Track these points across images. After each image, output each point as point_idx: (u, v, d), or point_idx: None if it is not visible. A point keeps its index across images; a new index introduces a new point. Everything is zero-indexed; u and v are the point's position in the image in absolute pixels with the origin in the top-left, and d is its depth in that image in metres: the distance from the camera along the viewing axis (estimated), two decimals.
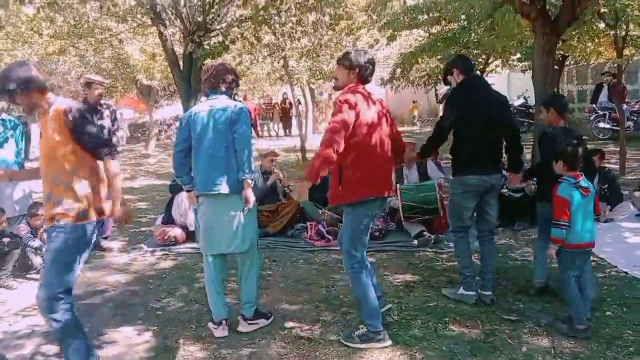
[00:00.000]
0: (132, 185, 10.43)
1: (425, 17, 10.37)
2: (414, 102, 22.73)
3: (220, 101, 3.53)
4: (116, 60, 14.01)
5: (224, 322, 3.59)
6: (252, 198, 3.46)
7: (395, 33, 10.48)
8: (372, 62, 3.42)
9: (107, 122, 5.52)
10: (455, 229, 4.05)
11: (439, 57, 11.05)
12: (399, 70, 12.56)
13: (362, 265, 3.38)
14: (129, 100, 20.20)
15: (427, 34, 12.23)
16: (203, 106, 3.57)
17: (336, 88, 3.55)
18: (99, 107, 5.50)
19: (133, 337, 3.60)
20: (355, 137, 3.24)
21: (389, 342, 3.34)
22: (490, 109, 3.86)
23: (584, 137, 3.97)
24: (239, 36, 8.37)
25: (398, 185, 5.74)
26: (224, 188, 3.44)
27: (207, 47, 7.57)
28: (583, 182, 3.44)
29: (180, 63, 7.89)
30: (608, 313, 3.71)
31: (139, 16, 9.20)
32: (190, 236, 5.82)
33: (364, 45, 13.82)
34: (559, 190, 3.43)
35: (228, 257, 3.71)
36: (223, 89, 3.58)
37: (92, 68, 13.61)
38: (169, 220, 5.85)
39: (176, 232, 5.71)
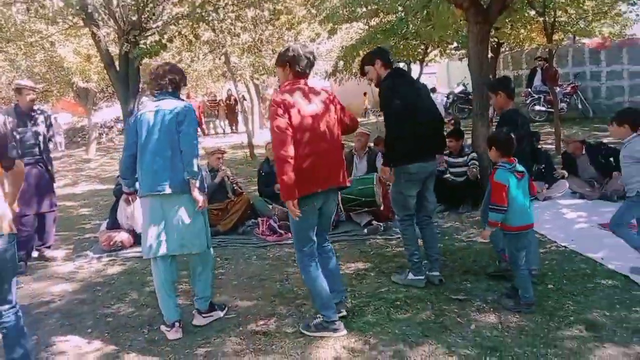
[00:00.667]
0: (73, 191, 10.07)
1: (364, 9, 10.50)
2: (364, 94, 22.96)
3: (167, 102, 3.50)
4: (49, 63, 13.43)
5: (177, 324, 3.54)
6: (200, 198, 3.45)
7: (336, 26, 10.57)
8: (307, 55, 3.36)
9: (41, 129, 5.30)
10: (402, 217, 4.12)
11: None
12: (341, 63, 12.66)
13: (310, 259, 3.42)
14: (66, 104, 19.42)
15: (367, 27, 12.38)
16: (150, 107, 3.53)
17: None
18: (32, 113, 5.27)
19: (83, 346, 3.50)
20: (293, 136, 3.21)
21: (344, 332, 3.39)
22: (421, 98, 3.99)
23: (527, 118, 4.12)
24: (176, 34, 8.21)
25: None
26: (169, 188, 3.41)
27: (144, 47, 7.37)
28: (518, 166, 3.57)
29: (117, 64, 7.66)
30: (550, 286, 3.90)
31: (70, 17, 8.87)
32: (138, 240, 5.67)
33: (305, 39, 13.85)
34: (496, 176, 3.53)
35: (177, 258, 3.65)
36: (170, 89, 3.57)
37: (23, 73, 12.99)
38: (114, 225, 5.69)
39: (122, 236, 5.56)
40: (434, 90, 15.11)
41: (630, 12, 11.63)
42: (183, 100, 3.65)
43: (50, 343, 3.56)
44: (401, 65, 14.66)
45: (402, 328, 3.40)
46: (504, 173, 3.52)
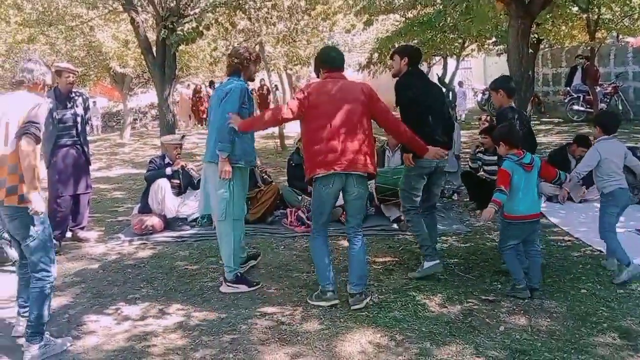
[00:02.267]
0: (107, 174, 10.27)
1: (402, 1, 10.38)
2: None
3: (227, 82, 4.12)
4: (88, 47, 13.69)
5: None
6: (226, 168, 3.90)
7: (372, 17, 10.46)
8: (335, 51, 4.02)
9: (79, 111, 5.40)
10: (409, 208, 4.25)
11: (415, 41, 11.07)
12: (376, 55, 12.55)
13: (318, 233, 3.79)
14: (103, 88, 19.83)
15: (404, 19, 12.22)
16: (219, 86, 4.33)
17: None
18: (70, 95, 5.37)
19: (112, 326, 3.57)
20: (308, 121, 3.68)
21: (335, 301, 3.69)
22: (434, 98, 4.21)
23: (523, 114, 4.41)
24: (213, 22, 8.26)
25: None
26: (209, 158, 4.04)
27: (181, 33, 7.44)
28: (525, 158, 3.77)
29: (154, 50, 7.75)
30: (583, 291, 3.80)
31: (110, 2, 9.01)
32: (168, 225, 5.77)
33: (340, 30, 13.79)
34: (503, 165, 3.80)
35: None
36: (232, 71, 4.15)
37: (63, 56, 13.27)
38: (145, 209, 5.77)
39: (154, 220, 5.64)
40: (461, 84, 14.86)
41: None
42: (242, 81, 4.10)
43: (80, 322, 3.64)
44: (437, 59, 14.50)
45: (429, 326, 3.36)
46: (510, 163, 3.76)
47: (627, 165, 4.46)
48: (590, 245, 4.74)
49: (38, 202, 2.99)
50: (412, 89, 4.08)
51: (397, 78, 4.21)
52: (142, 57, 8.86)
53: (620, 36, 13.29)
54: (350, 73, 22.65)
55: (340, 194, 3.74)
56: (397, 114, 4.16)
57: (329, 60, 3.85)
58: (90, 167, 5.72)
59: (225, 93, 3.96)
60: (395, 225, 5.59)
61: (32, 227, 3.09)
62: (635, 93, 12.98)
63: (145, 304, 3.92)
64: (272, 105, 18.47)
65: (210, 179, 4.10)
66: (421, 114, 4.04)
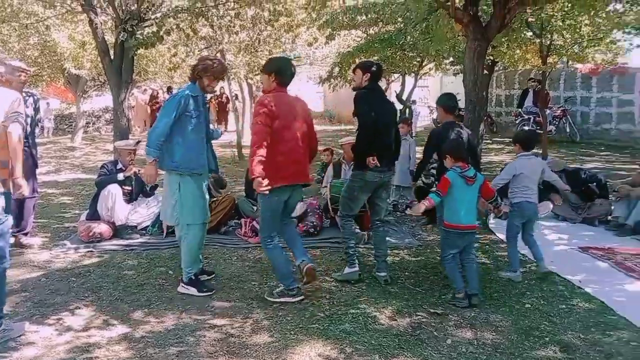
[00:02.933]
0: (56, 178, 9.92)
1: (364, 17, 10.53)
2: None
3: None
4: (42, 47, 13.25)
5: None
6: (147, 173, 4.10)
7: (334, 32, 10.56)
8: (292, 70, 4.02)
9: (29, 111, 5.20)
10: (345, 216, 4.50)
11: (376, 57, 11.23)
12: (337, 69, 12.66)
13: (270, 240, 3.98)
14: (56, 89, 19.22)
15: (365, 35, 12.40)
16: None
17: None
18: (21, 95, 5.17)
19: (53, 337, 3.42)
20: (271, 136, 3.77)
21: (301, 297, 3.96)
22: (389, 115, 4.42)
23: (463, 129, 4.74)
24: (174, 27, 8.13)
25: (332, 181, 5.93)
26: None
27: (140, 37, 7.30)
28: (469, 172, 3.98)
29: (111, 52, 7.57)
30: (527, 305, 3.91)
31: (68, 2, 8.77)
32: (117, 232, 5.61)
33: (303, 42, 13.85)
34: (447, 174, 4.03)
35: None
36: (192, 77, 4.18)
37: (16, 54, 12.80)
38: (94, 216, 5.60)
39: (102, 228, 5.48)
40: (414, 102, 15.24)
41: (625, 40, 11.76)
42: (194, 89, 4.13)
43: (19, 333, 3.47)
44: (396, 76, 14.76)
45: (378, 339, 3.38)
46: (453, 174, 3.99)
47: (550, 182, 5.02)
48: (535, 262, 4.88)
49: (25, 185, 3.45)
50: (369, 103, 4.21)
51: (358, 92, 4.32)
52: (99, 59, 8.65)
53: (570, 62, 13.88)
54: (311, 85, 22.78)
55: None
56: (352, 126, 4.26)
57: (287, 75, 3.97)
58: (38, 171, 5.52)
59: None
60: None
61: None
62: (583, 117, 13.58)
63: (89, 314, 3.79)
64: (231, 114, 18.36)
65: (164, 185, 4.25)
66: (375, 128, 4.19)
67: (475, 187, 4.00)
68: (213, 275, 4.55)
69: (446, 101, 4.86)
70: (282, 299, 3.96)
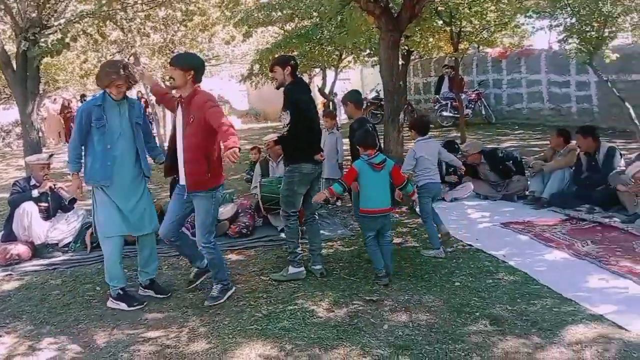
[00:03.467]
0: None
1: (279, 14, 10.50)
2: None
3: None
4: None
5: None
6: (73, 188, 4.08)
7: (251, 29, 10.47)
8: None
9: None
10: (290, 214, 4.39)
11: (295, 52, 11.26)
12: (257, 66, 12.57)
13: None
14: None
15: (283, 31, 12.38)
16: None
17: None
18: None
19: None
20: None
21: (234, 288, 4.11)
22: (315, 108, 4.61)
23: (370, 123, 5.02)
24: (80, 33, 7.78)
25: (261, 179, 5.89)
26: None
27: (44, 45, 6.90)
28: (376, 158, 4.18)
29: (14, 63, 7.12)
30: (457, 283, 4.07)
31: None
32: (37, 252, 5.30)
33: (219, 41, 13.63)
34: (354, 164, 4.25)
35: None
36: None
37: None
38: (10, 237, 5.26)
39: (19, 249, 5.15)
40: (336, 94, 15.44)
41: (528, 24, 12.47)
42: (97, 95, 4.03)
43: None
44: (317, 70, 14.86)
45: (317, 332, 3.41)
46: (360, 163, 4.20)
47: (446, 162, 5.63)
48: (461, 241, 5.10)
49: None
50: (299, 96, 4.28)
51: (286, 86, 4.30)
52: (1, 71, 8.11)
53: (480, 47, 14.54)
54: (234, 84, 22.49)
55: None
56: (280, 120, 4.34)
57: (202, 72, 3.93)
58: None
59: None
60: (282, 235, 5.59)
61: None
62: (496, 98, 14.27)
63: (12, 341, 3.56)
64: (152, 119, 17.78)
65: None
66: (309, 122, 4.31)
67: (384, 173, 4.19)
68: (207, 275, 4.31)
69: (355, 98, 5.11)
70: (227, 295, 4.04)
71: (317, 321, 3.57)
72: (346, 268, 4.57)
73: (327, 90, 13.88)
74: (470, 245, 4.94)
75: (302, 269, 4.40)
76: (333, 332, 3.39)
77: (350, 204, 6.61)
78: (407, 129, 5.74)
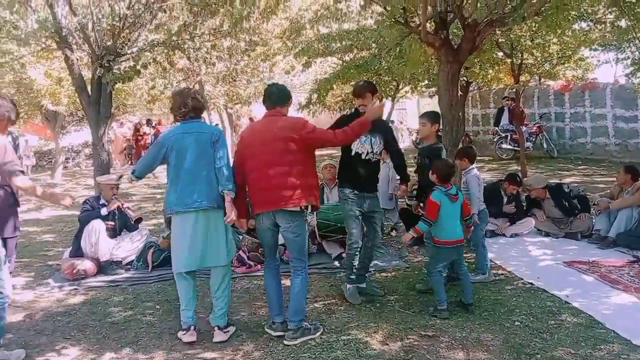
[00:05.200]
0: (37, 216, 9.76)
1: (338, 45, 10.71)
2: None
3: (196, 125, 3.90)
4: (18, 84, 13.16)
5: (192, 327, 3.86)
6: (233, 211, 3.79)
7: (310, 60, 10.73)
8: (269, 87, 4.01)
9: None
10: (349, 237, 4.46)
11: (352, 83, 11.43)
12: (315, 95, 12.81)
13: (267, 267, 4.04)
14: (34, 126, 19.03)
15: (341, 61, 12.59)
16: (179, 130, 3.89)
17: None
18: None
19: None
20: (243, 163, 3.90)
21: (279, 333, 3.84)
22: None
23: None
24: (151, 60, 8.17)
25: None
26: (206, 203, 3.74)
27: (117, 72, 7.32)
28: (452, 189, 4.23)
29: (89, 88, 7.56)
30: (517, 323, 3.93)
31: (43, 40, 8.77)
32: (102, 268, 5.53)
33: (280, 71, 14.00)
34: (432, 195, 4.20)
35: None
36: (193, 114, 3.91)
37: None
38: (77, 253, 5.52)
39: (86, 265, 5.39)
40: (392, 122, 15.48)
41: (592, 57, 12.16)
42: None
43: None
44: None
45: None
46: (439, 194, 4.18)
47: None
48: (522, 278, 4.94)
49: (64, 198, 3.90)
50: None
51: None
52: (76, 95, 8.62)
53: (542, 79, 14.23)
54: (292, 112, 22.95)
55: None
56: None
57: (264, 98, 4.02)
58: (19, 209, 5.43)
59: (218, 136, 3.87)
60: (336, 263, 5.61)
61: None
62: (558, 132, 13.87)
63: (77, 353, 3.72)
64: None
65: (212, 224, 3.83)
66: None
67: (458, 204, 4.25)
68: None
69: (439, 119, 5.03)
70: (304, 338, 3.78)
71: (371, 353, 3.54)
72: (401, 301, 4.51)
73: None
74: (531, 283, 4.78)
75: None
76: None
77: None
78: None
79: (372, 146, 4.43)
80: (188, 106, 3.86)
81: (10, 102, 3.70)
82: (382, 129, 4.50)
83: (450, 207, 4.18)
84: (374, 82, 10.91)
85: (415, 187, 6.59)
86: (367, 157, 4.46)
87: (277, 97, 3.92)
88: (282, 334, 3.82)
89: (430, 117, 4.84)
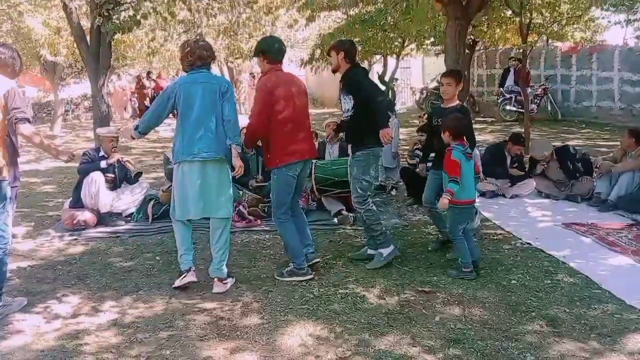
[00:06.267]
0: (37, 167, 9.77)
1: None
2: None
3: (204, 75, 3.86)
4: (16, 34, 12.92)
5: (192, 268, 3.92)
6: (239, 164, 3.86)
7: (314, 14, 10.46)
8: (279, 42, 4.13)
9: None
10: (367, 198, 4.30)
11: (357, 39, 11.19)
12: (318, 51, 12.57)
13: (286, 216, 4.07)
14: (32, 77, 18.80)
15: (346, 16, 12.31)
16: (187, 79, 3.87)
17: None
18: None
19: (41, 325, 3.40)
20: (274, 114, 3.90)
21: (311, 276, 4.00)
22: (378, 90, 4.52)
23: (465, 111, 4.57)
24: (151, 11, 7.98)
25: (315, 161, 5.84)
26: (212, 154, 3.74)
27: (117, 22, 7.16)
28: (469, 148, 4.14)
29: (88, 38, 7.42)
30: (513, 281, 3.96)
31: None
32: (102, 220, 5.55)
33: (282, 25, 13.73)
34: (453, 154, 4.05)
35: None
36: (200, 63, 3.86)
37: None
38: (77, 204, 5.53)
39: (86, 215, 5.41)
40: (396, 80, 15.18)
41: (603, 18, 11.88)
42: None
43: (7, 321, 3.45)
44: (377, 57, 14.71)
45: (368, 317, 3.42)
46: (458, 153, 4.06)
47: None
48: (520, 238, 4.95)
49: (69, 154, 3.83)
50: (363, 81, 4.20)
51: (346, 71, 4.23)
52: (75, 45, 8.47)
53: (550, 40, 13.97)
54: (293, 68, 22.63)
55: None
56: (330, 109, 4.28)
57: (274, 52, 4.00)
58: (19, 160, 5.41)
59: (227, 87, 3.88)
60: (335, 220, 5.63)
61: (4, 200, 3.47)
62: (564, 95, 13.71)
63: (77, 301, 3.77)
64: None
65: (216, 176, 3.84)
66: (375, 108, 4.13)
67: (472, 162, 4.17)
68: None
69: (461, 78, 4.63)
70: (291, 278, 3.99)
71: (368, 307, 3.58)
72: (398, 257, 4.51)
73: (387, 78, 13.72)
74: (529, 244, 4.79)
75: (392, 246, 4.30)
76: (383, 319, 3.39)
77: (407, 194, 6.57)
78: (473, 120, 5.54)
79: (342, 105, 4.35)
80: (195, 54, 3.83)
81: (14, 51, 3.65)
82: (349, 88, 4.24)
83: (467, 165, 4.08)
84: (378, 38, 10.73)
85: (417, 146, 6.57)
86: (343, 117, 4.41)
87: (284, 53, 4.11)
88: (312, 276, 4.02)
89: (456, 75, 4.59)
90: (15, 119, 3.40)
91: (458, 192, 4.00)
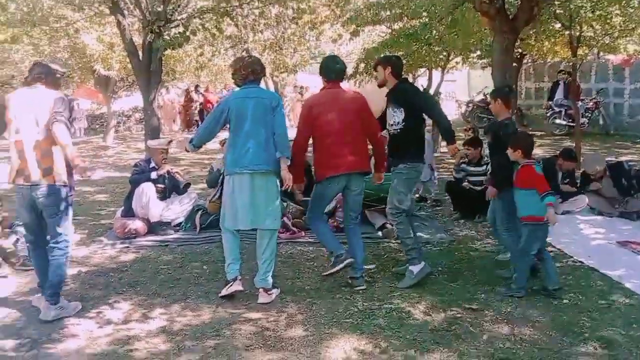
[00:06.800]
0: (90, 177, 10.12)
1: (388, 13, 10.43)
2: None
3: (256, 90, 4.04)
4: (72, 49, 13.53)
5: (238, 277, 3.97)
6: (289, 176, 3.92)
7: (359, 28, 10.51)
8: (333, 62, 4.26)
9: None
10: (401, 212, 4.24)
11: (401, 52, 11.16)
12: (362, 65, 12.61)
13: (318, 220, 4.32)
14: (86, 90, 19.59)
15: (390, 30, 12.31)
16: (239, 94, 4.04)
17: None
18: None
19: (94, 330, 3.52)
20: (314, 131, 4.12)
21: (352, 259, 4.04)
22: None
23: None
24: (200, 27, 8.23)
25: None
26: (262, 167, 3.86)
27: (167, 38, 7.42)
28: (539, 166, 4.09)
29: (140, 53, 7.70)
30: (565, 301, 3.84)
31: (96, 5, 8.95)
32: (152, 229, 5.70)
33: (327, 39, 13.84)
34: (537, 169, 3.98)
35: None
36: (252, 78, 4.02)
37: (46, 57, 13.08)
38: (129, 213, 5.71)
39: (137, 224, 5.57)
40: (439, 94, 14.99)
41: None
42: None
43: (62, 325, 3.58)
44: (421, 70, 14.60)
45: (413, 334, 3.37)
46: (540, 168, 4.05)
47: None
48: (572, 257, 4.80)
49: (88, 169, 3.85)
50: (415, 95, 4.37)
51: (398, 85, 4.28)
52: (128, 60, 8.80)
53: (601, 53, 13.55)
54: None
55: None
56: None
57: (330, 71, 4.22)
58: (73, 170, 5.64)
59: (277, 102, 4.03)
60: (379, 233, 5.60)
61: (62, 203, 3.68)
62: (616, 109, 13.24)
63: (128, 307, 3.88)
64: None
65: (265, 187, 3.92)
66: (421, 121, 4.39)
67: None
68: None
69: (508, 94, 4.45)
70: (336, 268, 4.05)
71: (414, 323, 3.54)
72: (445, 273, 4.47)
73: (432, 91, 13.62)
74: (581, 262, 4.64)
75: (423, 263, 4.20)
76: (429, 336, 3.34)
77: (452, 209, 6.46)
78: None
79: (390, 118, 4.30)
80: (249, 69, 4.00)
81: (60, 67, 3.96)
82: (400, 101, 4.22)
83: None
84: (423, 52, 10.67)
85: (464, 160, 6.46)
86: (391, 131, 4.35)
87: (342, 74, 4.30)
88: (353, 260, 4.05)
89: (505, 95, 4.43)
90: (54, 120, 3.52)
91: (537, 208, 3.85)
